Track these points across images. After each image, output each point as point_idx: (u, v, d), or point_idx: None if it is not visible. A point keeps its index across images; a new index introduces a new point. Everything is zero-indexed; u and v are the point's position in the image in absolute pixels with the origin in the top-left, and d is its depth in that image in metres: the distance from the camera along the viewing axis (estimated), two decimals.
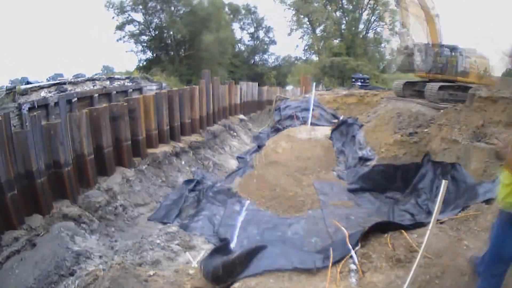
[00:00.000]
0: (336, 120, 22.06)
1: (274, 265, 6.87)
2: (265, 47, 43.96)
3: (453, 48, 18.74)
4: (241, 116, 29.41)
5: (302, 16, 45.62)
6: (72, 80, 17.29)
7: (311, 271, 6.86)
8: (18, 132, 10.20)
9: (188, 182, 15.25)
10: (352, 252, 6.96)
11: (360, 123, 20.28)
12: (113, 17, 31.64)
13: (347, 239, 7.59)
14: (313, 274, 6.81)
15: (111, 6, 31.07)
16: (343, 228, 8.47)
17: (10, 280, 7.81)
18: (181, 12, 32.33)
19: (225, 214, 12.64)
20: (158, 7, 31.77)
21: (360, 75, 36.69)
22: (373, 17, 46.99)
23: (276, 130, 24.06)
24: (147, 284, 6.99)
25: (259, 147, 20.43)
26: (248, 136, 26.80)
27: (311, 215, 11.85)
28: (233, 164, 20.39)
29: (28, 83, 16.50)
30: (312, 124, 23.38)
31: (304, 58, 50.41)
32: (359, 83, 34.52)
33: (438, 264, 6.22)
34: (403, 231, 7.31)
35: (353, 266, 6.70)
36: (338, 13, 47.32)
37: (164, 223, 12.14)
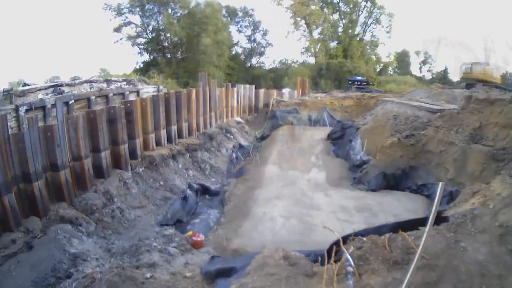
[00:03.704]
0: None
1: None
2: (262, 49, 43.95)
3: None
4: (238, 119, 29.41)
5: (299, 19, 45.68)
6: (69, 82, 17.26)
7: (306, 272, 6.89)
8: (15, 134, 10.17)
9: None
10: (347, 255, 6.96)
11: (357, 126, 20.35)
12: (111, 19, 31.65)
13: (341, 242, 7.59)
14: (310, 276, 6.82)
15: (108, 8, 31.04)
16: (336, 234, 8.45)
17: (7, 282, 7.78)
18: (179, 14, 32.29)
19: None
20: (156, 9, 31.74)
21: (359, 77, 36.75)
22: (369, 20, 47.13)
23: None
24: (144, 287, 6.98)
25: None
26: (244, 138, 26.76)
27: None
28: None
29: (25, 85, 16.46)
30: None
31: (301, 60, 50.49)
32: (356, 86, 34.64)
33: (435, 266, 6.23)
34: (401, 232, 7.32)
35: (349, 269, 6.70)
36: (335, 16, 47.43)
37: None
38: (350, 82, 35.90)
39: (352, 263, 6.73)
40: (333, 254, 7.50)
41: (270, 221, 11.82)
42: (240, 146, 22.78)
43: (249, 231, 11.24)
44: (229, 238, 10.91)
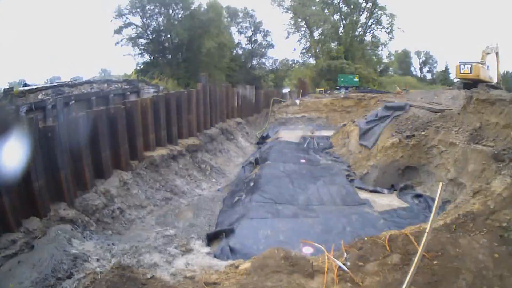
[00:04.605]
0: None
1: None
2: (263, 50, 43.83)
3: None
4: (238, 119, 29.46)
5: (299, 20, 45.64)
6: (70, 82, 17.28)
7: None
8: None
9: None
10: (339, 263, 6.92)
11: None
12: (111, 20, 31.55)
13: (327, 253, 7.52)
14: (311, 277, 6.81)
15: (108, 9, 31.09)
16: (320, 246, 8.40)
17: (8, 283, 7.77)
18: (180, 15, 32.24)
19: None
20: (156, 10, 31.67)
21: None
22: (370, 21, 47.13)
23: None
24: (144, 287, 6.97)
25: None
26: (245, 139, 26.79)
27: None
28: (231, 167, 20.44)
29: (25, 85, 16.48)
30: None
31: (301, 61, 50.48)
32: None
33: (436, 266, 6.23)
34: (403, 231, 7.33)
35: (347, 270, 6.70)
36: (336, 17, 47.37)
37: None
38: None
39: (347, 270, 6.72)
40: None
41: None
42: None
43: None
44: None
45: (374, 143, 17.40)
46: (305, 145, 22.57)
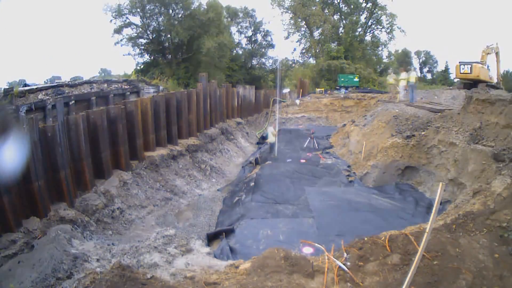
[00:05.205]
0: None
1: None
2: (263, 50, 43.70)
3: None
4: (238, 119, 29.46)
5: (299, 20, 45.60)
6: (70, 82, 17.24)
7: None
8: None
9: None
10: (339, 263, 6.93)
11: None
12: (111, 20, 31.53)
13: (327, 253, 7.53)
14: (311, 277, 6.81)
15: (108, 9, 31.01)
16: (320, 246, 8.43)
17: (8, 283, 7.77)
18: (180, 15, 32.22)
19: None
20: (156, 10, 31.66)
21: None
22: (370, 21, 47.13)
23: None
24: (144, 287, 6.97)
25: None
26: (245, 139, 26.77)
27: None
28: (231, 167, 20.42)
29: (25, 85, 16.45)
30: None
31: (301, 61, 50.56)
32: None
33: (436, 266, 6.22)
34: (403, 231, 7.32)
35: (347, 270, 6.70)
36: (336, 17, 47.34)
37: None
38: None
39: (346, 270, 6.72)
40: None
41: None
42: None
43: None
44: None
45: None
46: (305, 145, 22.62)
